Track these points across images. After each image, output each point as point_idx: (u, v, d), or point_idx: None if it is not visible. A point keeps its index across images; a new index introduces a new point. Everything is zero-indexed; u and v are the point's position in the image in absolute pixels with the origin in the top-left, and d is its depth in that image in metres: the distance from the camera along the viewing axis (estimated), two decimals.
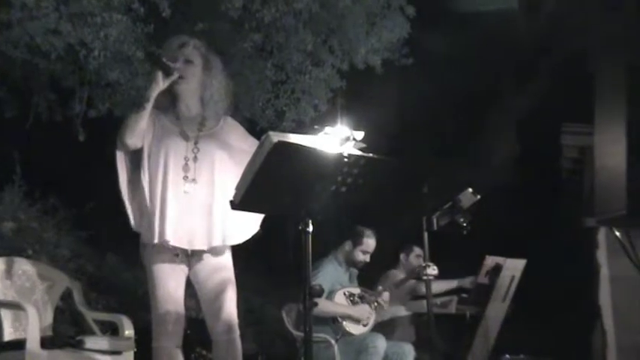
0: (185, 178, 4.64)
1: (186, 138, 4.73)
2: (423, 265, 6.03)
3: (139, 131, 4.63)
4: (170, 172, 4.64)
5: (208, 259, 4.73)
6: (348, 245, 6.83)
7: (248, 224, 4.82)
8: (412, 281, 7.32)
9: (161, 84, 4.62)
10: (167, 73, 4.61)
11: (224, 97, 4.88)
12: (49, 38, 6.62)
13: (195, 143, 4.72)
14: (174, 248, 4.62)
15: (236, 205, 3.78)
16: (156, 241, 4.57)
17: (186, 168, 4.66)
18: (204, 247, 4.66)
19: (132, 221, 4.69)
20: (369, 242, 6.85)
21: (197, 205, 4.65)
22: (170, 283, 4.67)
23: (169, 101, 4.81)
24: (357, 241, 6.82)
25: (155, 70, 4.67)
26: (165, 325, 4.64)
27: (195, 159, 4.69)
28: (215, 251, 4.73)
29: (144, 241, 4.69)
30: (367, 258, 6.86)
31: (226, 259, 4.80)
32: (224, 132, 4.87)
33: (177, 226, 4.60)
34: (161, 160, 4.66)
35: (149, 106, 4.61)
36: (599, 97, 2.82)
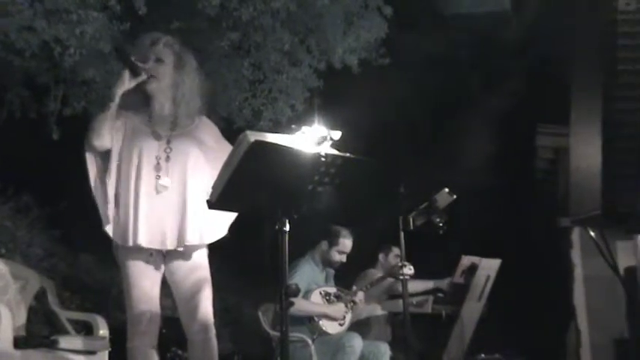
0: (157, 177, 4.60)
1: (158, 138, 4.66)
2: (400, 264, 6.03)
3: (106, 132, 4.56)
4: (143, 172, 4.58)
5: (184, 259, 4.69)
6: (324, 245, 6.81)
7: (222, 222, 4.79)
8: (389, 280, 7.31)
9: (127, 83, 4.57)
10: (135, 72, 4.57)
11: (197, 96, 4.82)
12: (24, 35, 6.59)
13: (168, 142, 4.66)
14: (149, 248, 4.59)
15: (212, 204, 3.76)
16: (129, 244, 4.53)
17: (158, 167, 4.60)
18: (178, 247, 4.61)
19: (104, 222, 4.64)
20: (346, 242, 6.83)
21: (170, 204, 4.59)
22: (145, 283, 4.63)
23: (142, 101, 4.76)
24: (333, 241, 6.81)
25: (123, 69, 4.63)
26: (140, 325, 4.60)
27: (167, 158, 4.63)
28: (190, 250, 4.70)
29: (117, 242, 4.65)
30: (343, 258, 6.85)
31: (202, 258, 4.76)
32: (199, 131, 4.81)
33: (150, 227, 4.54)
34: (134, 161, 4.60)
35: (114, 105, 4.55)
36: (575, 99, 2.83)
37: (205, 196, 3.81)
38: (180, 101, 4.71)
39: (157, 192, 4.56)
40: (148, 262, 4.61)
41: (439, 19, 11.70)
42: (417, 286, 7.37)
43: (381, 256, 7.76)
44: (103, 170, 4.66)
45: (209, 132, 4.87)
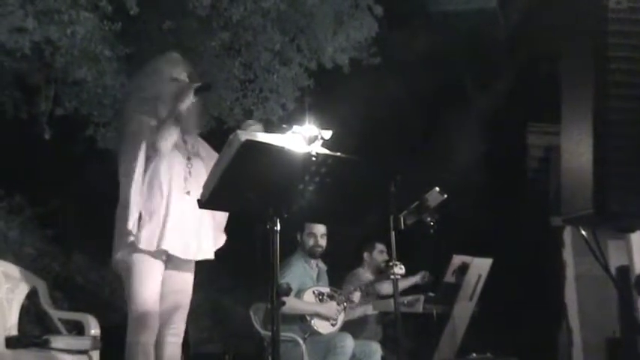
0: (187, 193, 4.75)
1: (183, 153, 4.86)
2: (390, 264, 6.03)
3: (172, 139, 4.72)
4: (173, 185, 4.74)
5: (181, 267, 4.84)
6: (299, 235, 6.82)
7: (218, 236, 5.02)
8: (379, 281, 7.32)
9: (190, 100, 4.75)
10: (198, 92, 4.76)
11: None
12: (15, 36, 6.57)
13: (189, 159, 4.86)
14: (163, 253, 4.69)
15: (204, 203, 3.77)
16: (154, 248, 4.64)
17: (186, 183, 4.77)
18: (198, 257, 4.83)
19: (130, 223, 4.66)
20: (312, 225, 6.80)
21: (192, 218, 4.76)
22: (154, 283, 4.74)
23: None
24: (303, 229, 6.81)
25: (188, 88, 4.76)
26: (147, 322, 4.67)
27: (189, 174, 4.82)
28: (192, 262, 4.90)
29: (135, 243, 4.66)
30: (319, 242, 6.78)
31: (193, 270, 4.96)
32: (200, 145, 5.04)
33: (177, 237, 4.70)
34: (166, 173, 4.74)
35: (179, 118, 4.74)
36: (565, 97, 2.84)
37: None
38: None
39: (184, 205, 4.72)
40: (156, 264, 4.69)
41: (429, 17, 11.72)
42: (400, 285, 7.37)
43: (365, 255, 7.75)
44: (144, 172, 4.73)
45: (205, 147, 5.09)
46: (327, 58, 8.13)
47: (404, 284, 7.35)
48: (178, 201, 4.71)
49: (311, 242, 6.78)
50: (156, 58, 5.10)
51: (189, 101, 4.73)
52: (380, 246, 7.61)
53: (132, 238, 4.63)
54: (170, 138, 4.70)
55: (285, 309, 3.77)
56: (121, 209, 4.70)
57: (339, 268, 7.43)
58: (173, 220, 4.67)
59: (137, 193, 4.65)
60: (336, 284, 7.04)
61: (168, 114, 4.73)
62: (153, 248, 4.63)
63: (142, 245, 4.63)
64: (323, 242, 6.82)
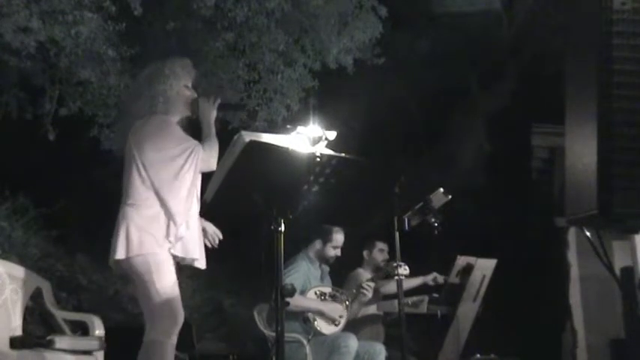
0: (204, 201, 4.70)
1: None
2: (394, 264, 6.02)
3: (217, 156, 4.61)
4: (195, 196, 4.64)
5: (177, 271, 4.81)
6: (318, 243, 6.81)
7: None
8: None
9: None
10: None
11: None
12: (20, 36, 6.59)
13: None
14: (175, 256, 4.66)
15: (207, 204, 3.77)
16: (196, 256, 4.59)
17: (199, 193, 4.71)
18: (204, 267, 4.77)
19: (179, 231, 4.61)
20: (339, 237, 6.84)
21: (199, 228, 4.71)
22: (177, 286, 4.65)
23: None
24: (326, 238, 6.81)
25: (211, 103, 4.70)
26: (178, 324, 4.58)
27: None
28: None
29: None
30: (338, 252, 6.85)
31: None
32: None
33: (199, 245, 4.66)
34: (193, 185, 4.68)
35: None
36: (569, 98, 2.84)
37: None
38: None
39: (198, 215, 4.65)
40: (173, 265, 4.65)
41: (434, 18, 11.72)
42: (406, 284, 7.34)
43: (365, 253, 7.68)
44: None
45: None
46: (332, 58, 8.13)
47: (411, 283, 7.34)
48: (196, 211, 4.66)
49: (331, 253, 6.80)
50: (171, 61, 4.96)
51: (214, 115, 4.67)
52: (380, 244, 7.57)
53: (168, 245, 4.53)
54: (216, 155, 4.58)
55: (289, 306, 3.76)
56: (148, 212, 4.52)
57: (340, 268, 7.42)
58: (199, 230, 4.65)
59: (185, 205, 4.56)
60: (336, 285, 7.04)
61: (208, 131, 4.64)
62: (194, 256, 4.58)
63: (181, 253, 4.56)
64: (339, 253, 6.88)
